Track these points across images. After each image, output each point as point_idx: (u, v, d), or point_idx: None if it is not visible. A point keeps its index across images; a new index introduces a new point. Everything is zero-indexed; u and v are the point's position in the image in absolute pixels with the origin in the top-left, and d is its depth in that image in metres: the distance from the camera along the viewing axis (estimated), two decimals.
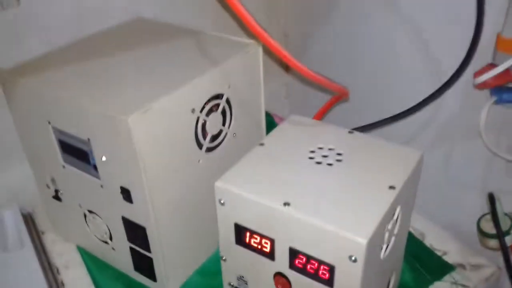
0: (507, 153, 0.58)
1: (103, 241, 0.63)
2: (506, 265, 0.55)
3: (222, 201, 0.47)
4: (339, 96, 0.62)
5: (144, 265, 0.60)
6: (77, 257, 0.68)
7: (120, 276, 0.64)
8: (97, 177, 0.56)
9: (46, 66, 0.59)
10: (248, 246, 0.48)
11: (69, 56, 0.62)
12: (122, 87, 0.53)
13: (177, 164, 0.55)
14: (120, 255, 0.62)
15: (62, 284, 0.64)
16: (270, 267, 0.48)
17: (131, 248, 0.60)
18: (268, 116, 0.88)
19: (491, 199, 0.55)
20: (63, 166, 0.59)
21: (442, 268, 0.63)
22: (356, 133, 0.54)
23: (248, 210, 0.46)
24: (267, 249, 0.47)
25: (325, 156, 0.50)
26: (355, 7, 0.77)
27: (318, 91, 0.86)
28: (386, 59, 0.73)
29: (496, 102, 0.53)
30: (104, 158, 0.53)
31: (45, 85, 0.55)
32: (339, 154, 0.50)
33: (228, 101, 0.60)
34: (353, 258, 0.40)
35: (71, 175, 0.59)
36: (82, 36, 0.67)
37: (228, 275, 0.53)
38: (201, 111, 0.56)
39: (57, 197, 0.65)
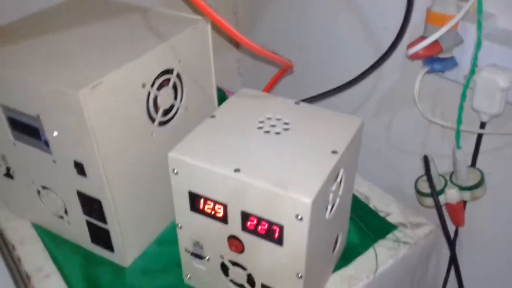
0: (441, 119, 0.63)
1: (58, 216, 0.64)
2: (440, 221, 0.61)
3: (175, 171, 0.49)
4: (284, 69, 0.65)
5: (101, 237, 0.61)
6: (33, 233, 0.68)
7: (77, 249, 0.65)
8: (49, 152, 0.56)
9: None
10: (202, 212, 0.51)
11: (16, 32, 0.61)
12: (71, 63, 0.53)
13: (130, 137, 0.56)
14: (76, 228, 0.63)
15: (19, 259, 0.64)
16: (224, 231, 0.50)
17: (87, 221, 0.61)
18: (221, 91, 0.90)
19: (426, 160, 0.60)
20: (14, 144, 0.59)
21: (385, 227, 0.68)
22: (302, 104, 0.57)
23: (201, 178, 0.48)
24: (220, 214, 0.49)
25: (273, 126, 0.52)
26: None
27: (269, 65, 0.89)
28: (329, 33, 0.76)
29: (429, 72, 0.58)
30: (55, 133, 0.53)
31: None
32: (286, 124, 0.53)
33: (178, 76, 0.61)
34: (299, 217, 0.44)
35: (22, 152, 0.59)
36: (29, 12, 0.66)
37: (184, 242, 0.55)
38: (152, 86, 0.57)
39: (8, 175, 0.65)
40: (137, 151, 0.58)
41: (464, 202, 0.64)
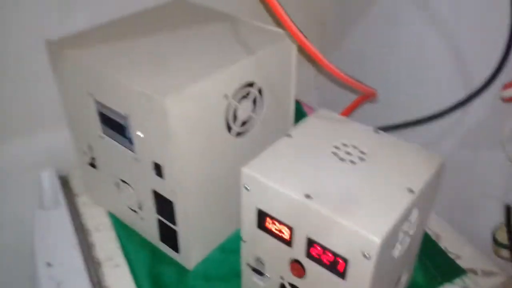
0: None
1: (132, 210, 0.67)
2: None
3: (247, 187, 0.50)
4: (366, 96, 0.63)
5: (170, 237, 0.64)
6: (107, 222, 0.72)
7: (146, 244, 0.68)
8: (132, 150, 0.59)
9: (91, 40, 0.62)
10: (268, 231, 0.51)
11: (114, 32, 0.64)
12: (161, 67, 0.56)
13: (207, 145, 0.58)
14: (148, 224, 0.66)
15: (93, 245, 0.69)
16: (287, 253, 0.50)
17: (158, 220, 0.64)
18: (297, 103, 0.90)
19: (508, 211, 0.55)
20: (101, 137, 0.63)
21: (453, 271, 0.64)
22: (382, 133, 0.55)
23: (271, 198, 0.48)
24: (286, 236, 0.49)
25: (348, 154, 0.51)
26: (391, 7, 0.77)
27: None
28: (418, 62, 0.73)
29: None
30: (140, 134, 0.56)
31: (90, 59, 0.58)
32: (362, 153, 0.51)
33: (260, 90, 0.62)
34: (366, 254, 0.42)
35: (107, 145, 0.63)
36: (125, 14, 0.70)
37: (247, 256, 0.56)
38: (233, 97, 0.58)
39: (92, 164, 0.69)
40: (213, 159, 0.59)
41: None
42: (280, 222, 0.49)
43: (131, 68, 0.56)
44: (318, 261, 0.47)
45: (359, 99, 0.63)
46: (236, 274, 0.62)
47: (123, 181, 0.65)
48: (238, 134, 0.62)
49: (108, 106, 0.58)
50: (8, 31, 0.69)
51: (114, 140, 0.61)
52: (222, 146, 0.60)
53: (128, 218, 0.70)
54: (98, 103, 0.60)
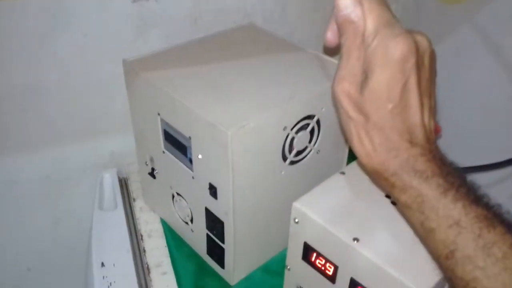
0: None
1: (184, 222, 0.71)
2: None
3: (296, 220, 0.52)
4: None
5: (216, 253, 0.67)
6: (160, 229, 0.76)
7: (193, 255, 0.72)
8: (191, 169, 0.63)
9: (163, 62, 0.66)
10: (313, 265, 0.52)
11: (185, 55, 0.68)
12: (227, 96, 0.59)
13: (261, 172, 0.60)
14: (197, 237, 0.70)
15: (144, 250, 0.73)
16: None
17: (207, 235, 0.67)
18: None
19: None
20: (163, 152, 0.67)
21: None
22: None
23: (319, 234, 0.50)
24: (330, 272, 0.51)
25: None
26: (459, 49, 0.76)
27: None
28: (481, 104, 0.72)
29: None
30: (200, 156, 0.59)
31: (160, 81, 0.62)
32: None
33: (318, 122, 0.63)
34: None
35: (168, 161, 0.67)
36: (197, 36, 0.74)
37: (290, 283, 0.58)
38: (291, 129, 0.60)
39: (152, 175, 0.73)
40: (265, 185, 0.62)
41: None
42: (325, 259, 0.51)
43: (198, 94, 0.59)
44: None
45: None
46: None
47: (178, 194, 0.69)
48: (292, 162, 0.64)
49: (173, 126, 0.62)
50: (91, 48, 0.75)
51: (175, 157, 0.65)
52: (277, 174, 0.62)
53: (179, 228, 0.74)
54: (163, 121, 0.63)
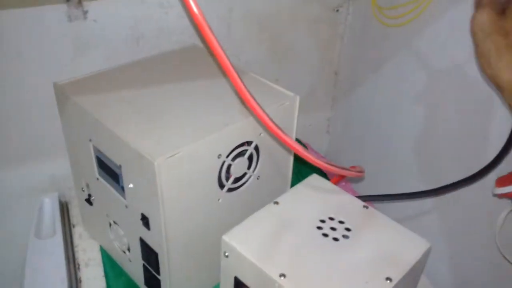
0: None
1: (122, 251, 0.68)
2: None
3: (226, 254, 0.50)
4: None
5: (153, 284, 0.64)
6: (98, 257, 0.73)
7: (132, 285, 0.69)
8: (124, 197, 0.60)
9: (96, 86, 0.63)
10: None
11: (121, 78, 0.66)
12: (160, 125, 0.56)
13: (196, 201, 0.58)
14: (134, 267, 0.67)
15: (80, 281, 0.70)
16: None
17: (144, 265, 0.64)
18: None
19: None
20: (97, 178, 0.64)
21: None
22: (371, 209, 0.54)
23: (247, 269, 0.48)
24: None
25: (333, 229, 0.51)
26: (401, 69, 0.77)
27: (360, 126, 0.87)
28: (424, 137, 0.73)
29: None
30: (131, 186, 0.57)
31: (91, 106, 0.59)
32: (347, 230, 0.51)
33: (256, 148, 0.62)
34: None
35: (103, 188, 0.64)
36: (140, 56, 0.72)
37: None
38: (227, 156, 0.58)
39: (89, 201, 0.70)
40: (201, 215, 0.60)
41: None
42: None
43: (129, 121, 0.57)
44: None
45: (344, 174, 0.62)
46: None
47: (115, 223, 0.66)
48: (231, 189, 0.62)
49: (104, 153, 0.59)
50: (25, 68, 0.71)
51: (109, 184, 0.62)
52: (213, 202, 0.60)
53: (118, 257, 0.71)
54: (95, 148, 0.61)
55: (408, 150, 0.78)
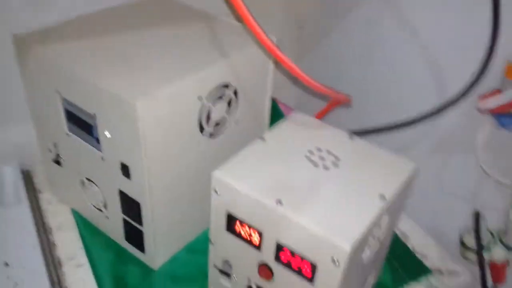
0: (499, 174, 0.59)
1: (97, 209, 0.66)
2: (481, 281, 0.58)
3: (216, 190, 0.49)
4: (338, 102, 0.63)
5: (135, 237, 0.62)
6: (71, 220, 0.70)
7: (110, 244, 0.66)
8: (99, 149, 0.58)
9: (62, 36, 0.59)
10: (238, 235, 0.50)
11: (87, 28, 0.62)
12: (135, 68, 0.54)
13: (177, 146, 0.56)
14: (112, 224, 0.65)
15: (54, 244, 0.66)
16: (256, 257, 0.50)
17: (124, 220, 0.62)
18: (273, 102, 0.90)
19: (477, 218, 0.57)
20: (67, 134, 0.61)
21: (420, 270, 0.66)
22: (356, 139, 0.55)
23: (241, 202, 0.48)
24: (255, 240, 0.49)
25: (322, 159, 0.51)
26: (370, 13, 0.78)
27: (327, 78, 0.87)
28: (396, 68, 0.74)
29: (496, 126, 0.55)
30: (108, 134, 0.54)
31: (58, 56, 0.55)
32: (336, 158, 0.52)
33: (235, 91, 0.61)
34: (336, 261, 0.43)
35: (73, 144, 0.61)
36: (103, 7, 0.68)
37: (215, 258, 0.55)
38: (207, 99, 0.57)
39: (57, 162, 0.67)
40: (183, 161, 0.58)
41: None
42: (250, 226, 0.48)
43: (102, 67, 0.54)
44: (287, 265, 0.47)
45: (331, 103, 0.63)
46: (203, 275, 0.61)
47: (88, 179, 0.63)
48: (211, 135, 0.61)
49: (75, 104, 0.56)
50: None
51: (81, 138, 0.59)
52: (194, 147, 0.59)
53: (93, 217, 0.68)
54: (65, 100, 0.57)
55: (380, 101, 0.80)
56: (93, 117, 0.55)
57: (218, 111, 0.60)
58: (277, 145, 0.53)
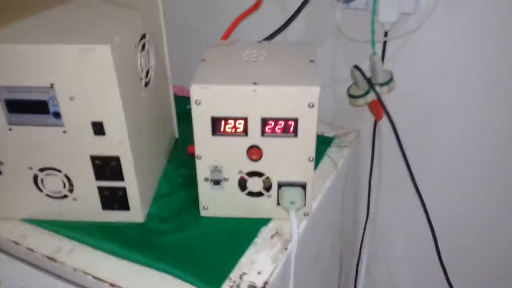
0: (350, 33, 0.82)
1: (60, 197, 0.66)
2: (382, 106, 0.79)
3: (197, 101, 0.59)
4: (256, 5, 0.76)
5: (115, 199, 0.65)
6: (32, 227, 0.67)
7: (88, 226, 0.67)
8: (59, 124, 0.59)
9: None
10: (223, 134, 0.61)
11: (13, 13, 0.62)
12: (78, 31, 0.59)
13: (132, 94, 0.63)
14: (83, 202, 0.66)
15: (31, 250, 0.64)
16: (244, 144, 0.62)
17: (99, 188, 0.65)
18: None
19: (358, 68, 0.78)
20: (9, 129, 0.60)
21: (327, 140, 0.87)
22: (263, 42, 0.71)
23: (223, 101, 0.59)
24: (241, 128, 0.60)
25: (256, 56, 0.66)
26: None
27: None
28: None
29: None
30: (71, 97, 0.57)
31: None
32: (264, 53, 0.67)
33: (149, 41, 0.69)
34: (311, 104, 0.58)
35: (19, 136, 0.60)
36: None
37: (203, 171, 0.64)
38: (138, 47, 0.64)
39: None
40: (136, 109, 0.64)
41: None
42: (234, 119, 0.60)
43: (48, 35, 0.57)
44: (272, 135, 0.61)
45: (247, 11, 0.75)
46: (187, 205, 0.69)
47: (43, 169, 0.63)
48: (146, 84, 0.68)
49: (20, 86, 0.57)
50: None
51: (30, 124, 0.60)
52: (140, 96, 0.66)
53: (55, 210, 0.67)
54: (3, 90, 0.57)
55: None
56: (48, 90, 0.57)
57: (145, 60, 0.68)
58: (218, 59, 0.65)
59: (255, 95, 0.58)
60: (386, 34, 0.79)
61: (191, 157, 0.65)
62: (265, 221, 0.67)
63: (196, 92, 0.58)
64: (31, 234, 0.66)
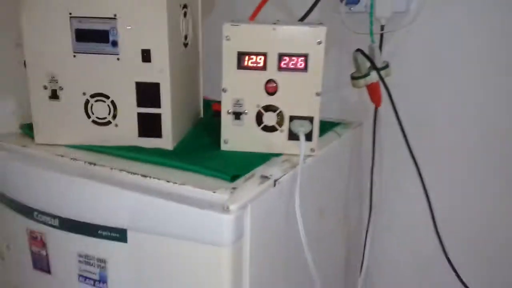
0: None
1: (104, 124, 0.77)
2: (382, 82, 0.93)
3: (227, 37, 0.73)
4: None
5: (151, 126, 0.77)
6: (73, 150, 0.78)
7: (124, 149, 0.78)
8: (115, 52, 0.74)
9: None
10: (246, 67, 0.74)
11: None
12: None
13: (175, 38, 0.77)
14: (123, 128, 0.77)
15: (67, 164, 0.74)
16: (262, 78, 0.74)
17: (138, 114, 0.77)
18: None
19: (361, 52, 0.92)
20: (74, 56, 0.74)
21: (334, 124, 0.98)
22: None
23: (248, 37, 0.73)
24: (261, 63, 0.74)
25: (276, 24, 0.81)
26: None
27: None
28: None
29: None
30: (129, 27, 0.72)
31: None
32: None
33: (189, 13, 0.86)
34: (319, 41, 0.72)
35: (81, 63, 0.74)
36: None
37: (227, 103, 0.76)
38: (182, 11, 0.81)
39: (55, 96, 0.76)
40: (177, 53, 0.78)
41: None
42: (256, 54, 0.74)
43: None
44: (287, 69, 0.74)
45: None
46: (210, 142, 0.80)
47: (94, 95, 0.76)
48: (185, 45, 0.84)
49: (89, 16, 0.72)
50: None
51: (92, 52, 0.74)
52: (180, 46, 0.81)
53: (98, 136, 0.78)
54: (75, 20, 0.72)
55: None
56: (111, 20, 0.72)
57: (186, 25, 0.84)
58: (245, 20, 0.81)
59: (275, 33, 0.73)
60: (382, 28, 0.95)
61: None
62: (277, 155, 0.77)
63: (227, 29, 0.73)
64: (73, 152, 0.77)
